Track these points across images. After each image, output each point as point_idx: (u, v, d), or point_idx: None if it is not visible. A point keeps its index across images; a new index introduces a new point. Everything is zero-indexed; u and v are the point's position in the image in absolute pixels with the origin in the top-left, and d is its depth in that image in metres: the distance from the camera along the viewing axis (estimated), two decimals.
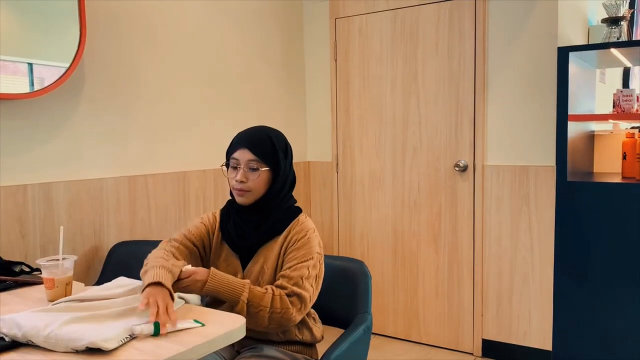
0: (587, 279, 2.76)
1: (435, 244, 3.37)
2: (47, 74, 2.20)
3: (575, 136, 2.94)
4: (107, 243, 2.45)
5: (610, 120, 3.24)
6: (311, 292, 1.62)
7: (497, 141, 3.13)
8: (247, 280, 1.58)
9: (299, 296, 1.58)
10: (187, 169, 2.86)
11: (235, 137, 1.73)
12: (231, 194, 1.76)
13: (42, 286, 1.60)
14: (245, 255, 1.70)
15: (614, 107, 3.00)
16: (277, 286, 1.60)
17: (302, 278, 1.60)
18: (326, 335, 1.83)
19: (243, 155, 1.66)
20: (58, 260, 1.56)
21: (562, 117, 2.79)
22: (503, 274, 3.15)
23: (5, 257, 2.04)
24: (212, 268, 1.58)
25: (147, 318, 1.28)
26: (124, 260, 2.37)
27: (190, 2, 2.88)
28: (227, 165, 1.72)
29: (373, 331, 2.96)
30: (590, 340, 2.78)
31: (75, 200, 2.34)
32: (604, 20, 3.02)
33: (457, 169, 3.24)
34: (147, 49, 2.66)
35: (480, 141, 3.16)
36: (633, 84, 4.25)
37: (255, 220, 1.70)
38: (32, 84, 2.16)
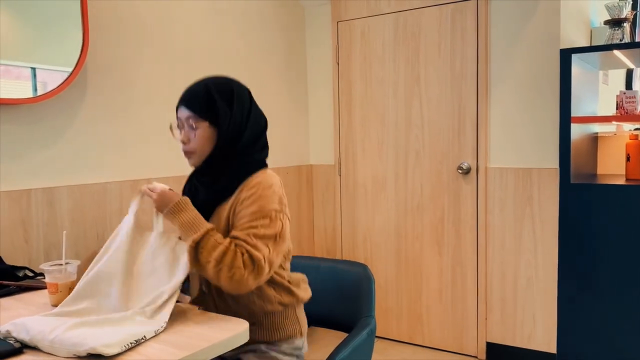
0: (592, 281, 2.75)
1: (438, 246, 3.36)
2: (49, 79, 2.21)
3: (578, 138, 2.93)
4: None
5: (614, 122, 3.23)
6: (266, 252, 1.42)
7: (500, 143, 3.12)
8: (212, 225, 1.45)
9: (251, 255, 1.39)
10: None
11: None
12: None
13: (45, 291, 1.60)
14: (203, 215, 1.53)
15: (617, 108, 2.99)
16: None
17: (251, 236, 1.42)
18: (330, 339, 1.83)
19: (182, 113, 1.54)
20: (61, 265, 1.56)
21: (565, 119, 2.79)
22: (507, 277, 3.14)
23: (9, 262, 2.04)
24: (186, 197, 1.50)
25: (153, 326, 1.27)
26: None
27: (193, 7, 2.88)
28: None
29: (377, 335, 2.96)
30: (595, 343, 2.77)
31: (78, 205, 2.34)
32: (606, 22, 3.02)
33: (460, 171, 3.24)
34: (149, 53, 2.66)
35: (483, 143, 3.16)
36: (636, 85, 4.24)
37: (208, 180, 1.56)
38: (35, 88, 2.16)
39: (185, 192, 1.63)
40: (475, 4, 3.13)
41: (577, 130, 2.89)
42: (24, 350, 1.20)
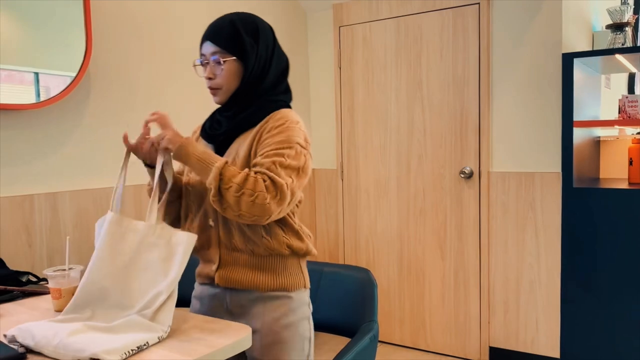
0: (594, 285, 2.75)
1: (441, 251, 3.36)
2: (52, 83, 2.22)
3: (580, 142, 2.93)
4: None
5: (616, 126, 3.23)
6: (289, 182, 1.37)
7: (502, 148, 3.12)
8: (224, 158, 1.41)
9: (273, 181, 1.34)
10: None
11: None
12: None
13: (49, 296, 1.61)
14: (220, 148, 1.53)
15: (619, 112, 2.99)
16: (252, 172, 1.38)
17: (275, 164, 1.37)
18: (333, 344, 1.82)
19: (207, 48, 1.50)
20: (64, 270, 1.56)
21: (568, 123, 2.79)
22: (509, 281, 3.13)
23: (13, 267, 2.04)
24: (189, 137, 1.46)
25: (156, 332, 1.27)
26: None
27: (196, 12, 2.89)
28: (201, 63, 1.55)
29: (380, 339, 2.96)
30: (598, 347, 2.76)
31: (81, 210, 2.35)
32: (608, 26, 3.03)
33: (462, 175, 3.24)
34: (152, 58, 2.67)
35: (485, 148, 3.16)
36: (638, 89, 4.24)
37: (232, 112, 1.52)
38: (38, 94, 2.17)
39: (206, 128, 1.58)
40: (476, 8, 3.14)
41: (579, 135, 2.89)
42: (28, 355, 1.20)
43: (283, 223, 1.49)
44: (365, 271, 1.97)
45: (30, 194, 2.17)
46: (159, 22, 2.71)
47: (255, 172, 1.36)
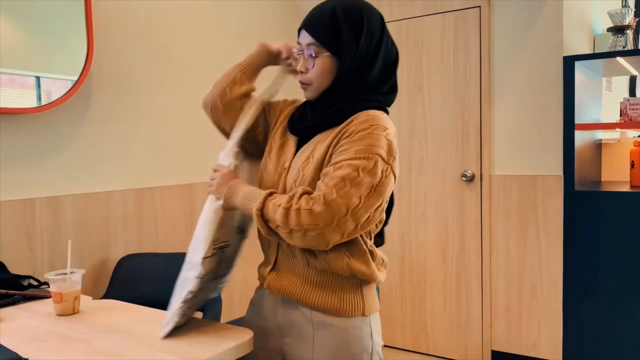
0: (597, 289, 2.74)
1: (442, 254, 3.36)
2: (54, 88, 2.22)
3: (582, 145, 2.93)
4: (114, 256, 2.45)
5: (618, 129, 3.23)
6: (353, 204, 1.18)
7: (504, 151, 3.12)
8: (269, 190, 1.26)
9: (331, 204, 1.16)
10: (194, 181, 2.86)
11: None
12: None
13: (50, 300, 1.60)
14: (302, 142, 1.39)
15: (620, 115, 2.99)
16: (304, 192, 1.23)
17: (344, 179, 1.18)
18: None
19: (303, 38, 1.34)
20: (66, 274, 1.55)
21: (569, 126, 2.79)
22: (511, 285, 3.13)
23: (14, 271, 2.04)
24: (235, 180, 1.35)
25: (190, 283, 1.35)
26: (132, 273, 2.37)
27: (195, 15, 2.90)
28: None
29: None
30: (600, 350, 2.75)
31: (82, 214, 2.35)
32: (609, 29, 3.03)
33: (463, 179, 3.23)
34: (153, 62, 2.67)
35: (486, 151, 3.16)
36: None
37: (321, 107, 1.36)
38: (39, 97, 2.17)
39: (294, 119, 1.44)
40: (478, 11, 3.14)
41: (581, 138, 2.89)
42: None
43: (350, 241, 1.28)
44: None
45: (31, 197, 2.17)
46: (161, 25, 2.71)
47: (305, 193, 1.22)
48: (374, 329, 1.40)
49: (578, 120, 2.81)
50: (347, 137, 1.25)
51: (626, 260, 2.66)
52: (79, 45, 2.27)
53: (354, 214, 1.19)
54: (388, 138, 1.25)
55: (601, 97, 3.55)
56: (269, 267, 1.40)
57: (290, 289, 1.34)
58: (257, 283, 1.48)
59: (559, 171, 2.94)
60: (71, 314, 1.52)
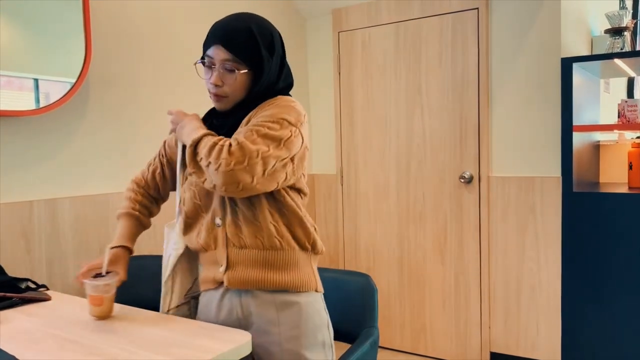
0: (595, 290, 2.75)
1: (441, 256, 3.36)
2: (52, 90, 2.22)
3: (580, 146, 2.93)
4: None
5: (615, 131, 3.23)
6: (263, 150, 1.29)
7: (502, 152, 3.12)
8: (211, 132, 1.38)
9: (242, 147, 1.27)
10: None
11: (211, 27, 1.45)
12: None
13: (48, 303, 1.60)
14: None
15: (618, 117, 3.00)
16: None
17: (252, 132, 1.30)
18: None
19: (217, 53, 1.39)
20: (103, 276, 1.50)
21: (567, 127, 2.79)
22: (510, 286, 3.13)
23: (11, 274, 2.03)
24: (190, 116, 1.48)
25: None
26: (130, 275, 2.36)
27: (194, 19, 2.90)
28: (203, 62, 1.46)
29: (380, 345, 2.95)
30: (599, 352, 2.75)
31: (80, 216, 2.34)
32: (607, 31, 3.03)
33: (462, 180, 3.24)
34: (151, 64, 2.67)
35: (485, 152, 3.16)
36: (637, 93, 4.24)
37: (232, 122, 1.44)
38: (37, 100, 2.17)
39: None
40: (475, 13, 3.15)
41: (579, 139, 2.89)
42: None
43: (286, 208, 1.43)
44: (365, 276, 1.97)
45: (29, 200, 2.17)
46: (159, 27, 2.71)
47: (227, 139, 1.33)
48: (323, 305, 1.53)
49: (576, 121, 2.81)
50: (256, 114, 1.39)
51: (624, 261, 2.66)
52: (77, 47, 2.27)
53: (264, 159, 1.29)
54: (296, 108, 1.39)
55: (599, 99, 3.55)
56: (222, 267, 1.45)
57: (252, 277, 1.42)
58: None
59: (557, 172, 2.94)
60: (108, 317, 1.51)
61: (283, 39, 1.53)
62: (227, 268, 1.44)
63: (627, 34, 2.98)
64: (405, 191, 3.47)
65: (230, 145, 1.28)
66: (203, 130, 1.38)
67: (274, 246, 1.42)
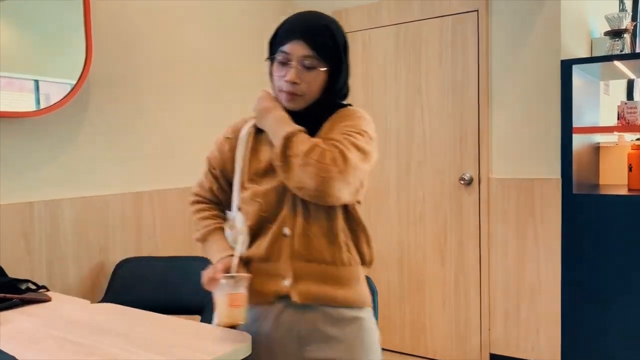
0: (595, 292, 2.75)
1: (441, 257, 3.36)
2: (52, 91, 2.22)
3: (580, 148, 2.94)
4: (112, 260, 2.45)
5: (615, 133, 3.23)
6: (357, 160, 1.26)
7: (502, 154, 3.13)
8: (304, 129, 1.31)
9: (342, 154, 1.23)
10: (192, 185, 2.85)
11: (284, 24, 1.40)
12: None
13: (48, 304, 1.60)
14: None
15: (618, 119, 3.00)
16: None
17: (347, 139, 1.28)
18: None
19: (296, 49, 1.33)
20: (234, 277, 1.32)
21: (567, 129, 2.79)
22: (510, 288, 3.13)
23: (12, 275, 2.03)
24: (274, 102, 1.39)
25: None
26: (130, 276, 2.37)
27: (195, 21, 2.90)
28: (272, 59, 1.39)
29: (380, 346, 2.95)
30: (599, 354, 2.75)
31: (80, 217, 2.35)
32: (607, 33, 3.03)
33: (462, 182, 3.24)
34: (152, 66, 2.68)
35: (485, 154, 3.16)
36: (637, 95, 4.25)
37: (303, 126, 1.34)
38: (37, 101, 2.17)
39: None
40: (475, 15, 3.15)
41: (578, 141, 2.89)
42: None
43: (357, 223, 1.40)
44: (366, 278, 1.96)
45: (29, 201, 2.17)
46: (160, 29, 2.71)
47: (325, 143, 1.27)
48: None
49: (576, 123, 2.82)
50: (336, 122, 1.35)
51: (624, 263, 2.66)
52: (77, 48, 2.28)
53: (357, 169, 1.26)
54: (371, 121, 1.39)
55: (599, 101, 3.56)
56: (286, 280, 1.35)
57: (321, 293, 1.34)
58: None
59: (557, 174, 2.94)
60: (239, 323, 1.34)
61: None
62: (294, 282, 1.35)
63: (627, 36, 2.98)
64: (406, 192, 3.47)
65: (330, 150, 1.24)
66: (294, 125, 1.31)
67: (342, 262, 1.36)
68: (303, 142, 1.26)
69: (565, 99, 2.80)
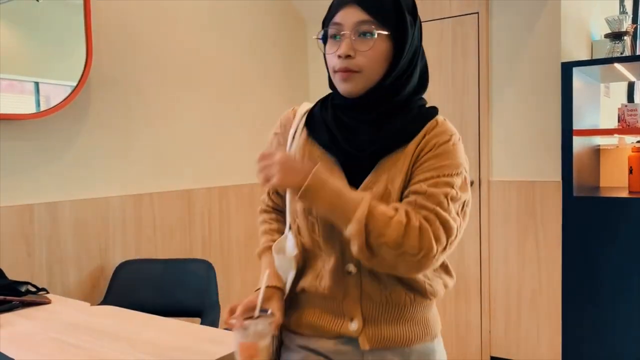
0: (596, 294, 2.74)
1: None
2: (52, 93, 2.22)
3: (581, 151, 2.93)
4: (112, 262, 2.44)
5: (616, 135, 3.23)
6: (459, 224, 1.03)
7: (502, 156, 3.12)
8: (366, 193, 1.02)
9: (446, 225, 0.99)
10: (192, 187, 2.86)
11: None
12: (331, 85, 1.17)
13: (48, 306, 1.60)
14: (355, 170, 1.09)
15: (619, 121, 3.00)
16: (411, 205, 1.01)
17: (447, 197, 1.01)
18: None
19: (349, 15, 1.06)
20: (254, 318, 1.06)
21: (567, 131, 2.79)
22: (510, 290, 3.12)
23: (12, 277, 2.03)
24: (318, 164, 1.00)
25: None
26: (130, 279, 2.37)
27: (195, 23, 2.90)
28: (325, 38, 1.15)
29: None
30: (600, 356, 2.75)
31: (81, 219, 2.34)
32: (607, 35, 3.04)
33: None
34: (152, 68, 2.68)
35: (485, 157, 3.16)
36: (638, 98, 4.25)
37: (373, 118, 1.08)
38: (38, 103, 2.17)
39: (329, 122, 1.13)
40: (475, 18, 3.15)
41: (579, 143, 2.89)
42: None
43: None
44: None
45: (30, 203, 2.17)
46: (161, 31, 2.71)
47: (416, 207, 1.00)
48: None
49: (576, 126, 2.81)
50: (428, 152, 1.06)
51: (625, 265, 2.65)
52: (78, 50, 2.28)
53: (459, 232, 1.03)
54: (463, 149, 1.12)
55: (599, 103, 3.55)
56: (354, 323, 1.11)
57: (393, 335, 1.12)
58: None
59: (558, 177, 2.94)
60: None
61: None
62: (364, 325, 1.11)
63: (627, 39, 2.98)
64: None
65: (428, 226, 0.98)
66: (355, 191, 1.02)
67: (421, 297, 1.16)
68: (388, 222, 0.97)
69: (566, 101, 2.79)
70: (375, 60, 1.05)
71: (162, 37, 2.73)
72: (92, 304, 1.76)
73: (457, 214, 1.03)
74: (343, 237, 1.03)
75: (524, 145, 3.06)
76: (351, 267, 1.10)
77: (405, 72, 1.09)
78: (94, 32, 2.34)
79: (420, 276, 1.11)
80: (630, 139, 3.44)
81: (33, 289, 1.88)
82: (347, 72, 1.07)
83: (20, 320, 1.57)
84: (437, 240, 0.98)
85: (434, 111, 1.16)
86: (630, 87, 4.19)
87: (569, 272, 2.81)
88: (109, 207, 2.46)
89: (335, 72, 1.10)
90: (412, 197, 1.02)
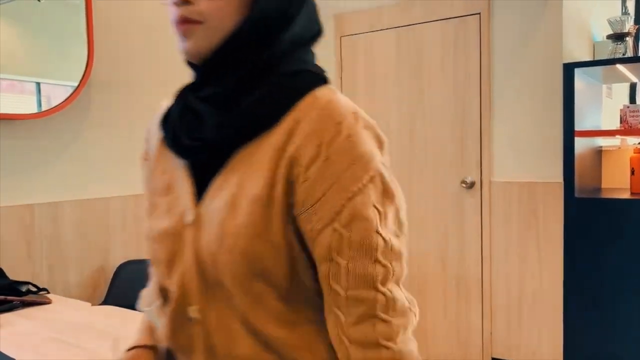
0: (597, 296, 2.74)
1: (442, 261, 3.35)
2: (54, 93, 2.22)
3: (582, 152, 2.93)
4: (113, 262, 2.44)
5: (618, 136, 3.23)
6: (404, 294, 0.83)
7: (504, 157, 3.12)
8: None
9: (394, 307, 0.80)
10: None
11: None
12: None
13: (48, 306, 1.60)
14: (204, 171, 0.79)
15: (621, 122, 2.99)
16: (330, 307, 0.75)
17: (374, 254, 0.74)
18: None
19: None
20: None
21: (569, 132, 2.79)
22: (512, 292, 3.12)
23: (12, 277, 2.03)
24: None
25: None
26: (130, 279, 2.36)
27: None
28: None
29: None
30: (601, 357, 2.74)
31: (81, 220, 2.34)
32: (609, 36, 3.03)
33: (463, 185, 3.23)
34: (153, 68, 2.68)
35: (486, 158, 3.16)
36: None
37: (221, 94, 0.78)
38: (39, 103, 2.17)
39: (174, 129, 0.84)
40: (477, 18, 3.15)
41: (581, 144, 2.89)
42: None
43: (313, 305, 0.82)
44: None
45: (30, 203, 2.17)
46: (161, 31, 2.71)
47: (336, 307, 0.74)
48: None
49: (578, 127, 2.81)
50: (311, 160, 0.70)
51: (626, 266, 2.65)
52: (79, 51, 2.28)
53: (406, 264, 0.81)
54: (368, 127, 0.74)
55: (601, 104, 3.55)
56: None
57: None
58: None
59: (559, 178, 2.93)
60: None
61: None
62: None
63: (629, 40, 2.98)
64: (407, 196, 3.43)
65: (367, 333, 0.76)
66: None
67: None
68: None
69: (568, 102, 2.79)
70: (222, 5, 0.76)
71: (163, 38, 2.73)
72: (92, 304, 1.76)
73: (399, 254, 0.77)
74: (185, 270, 0.79)
75: (526, 146, 3.05)
76: (193, 311, 0.81)
77: (269, 17, 0.76)
78: (95, 32, 2.34)
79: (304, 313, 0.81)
80: (632, 140, 3.43)
81: (34, 289, 1.88)
82: (186, 23, 0.80)
83: (20, 320, 1.56)
84: (396, 335, 0.75)
85: (311, 79, 0.79)
86: (633, 88, 4.19)
87: (570, 273, 2.81)
88: (110, 207, 2.46)
89: (173, 24, 0.83)
90: (324, 267, 0.73)
